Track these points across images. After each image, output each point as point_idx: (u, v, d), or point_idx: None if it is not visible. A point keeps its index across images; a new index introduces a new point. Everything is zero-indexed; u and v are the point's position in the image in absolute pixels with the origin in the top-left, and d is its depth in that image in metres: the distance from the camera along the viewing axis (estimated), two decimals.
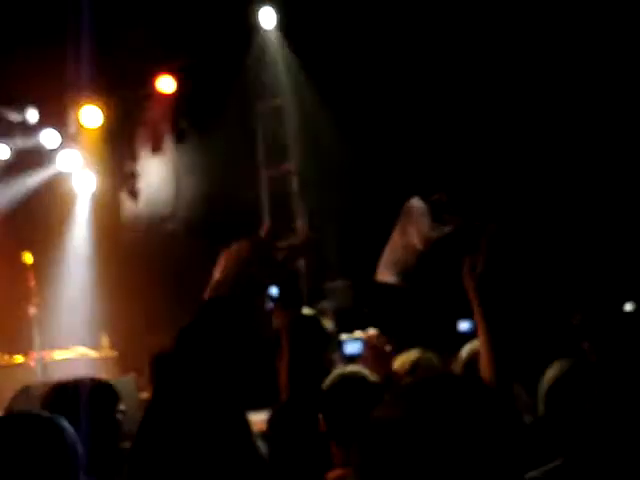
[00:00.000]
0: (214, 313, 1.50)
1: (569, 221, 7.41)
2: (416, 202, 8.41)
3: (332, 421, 2.66)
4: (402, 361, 4.11)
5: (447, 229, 8.15)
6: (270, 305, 2.94)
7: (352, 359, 4.80)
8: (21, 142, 9.15)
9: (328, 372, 2.88)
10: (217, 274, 1.61)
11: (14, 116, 8.88)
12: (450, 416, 1.19)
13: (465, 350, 3.92)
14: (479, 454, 1.18)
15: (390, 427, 1.22)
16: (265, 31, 8.92)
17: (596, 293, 7.08)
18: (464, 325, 5.62)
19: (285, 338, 2.99)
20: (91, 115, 9.19)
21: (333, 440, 2.63)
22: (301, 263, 9.06)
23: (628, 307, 6.91)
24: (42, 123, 9.09)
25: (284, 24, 8.89)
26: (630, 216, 7.12)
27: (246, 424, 1.47)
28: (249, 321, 1.53)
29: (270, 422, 3.12)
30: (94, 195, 9.68)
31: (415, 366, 4.04)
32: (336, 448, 2.61)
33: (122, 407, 2.81)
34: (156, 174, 9.36)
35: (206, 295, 1.56)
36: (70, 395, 2.69)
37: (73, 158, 9.45)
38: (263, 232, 1.73)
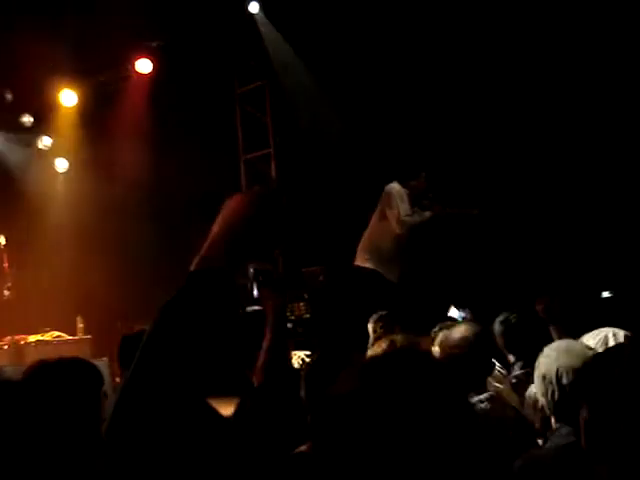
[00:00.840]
0: (196, 289, 1.44)
1: (548, 210, 7.42)
2: (395, 187, 8.43)
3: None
4: (379, 344, 4.11)
5: (427, 214, 8.18)
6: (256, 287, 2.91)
7: None
8: None
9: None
10: (214, 230, 1.53)
11: None
12: (397, 389, 1.26)
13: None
14: (423, 424, 1.24)
15: (342, 401, 1.29)
16: (248, 13, 8.83)
17: (569, 280, 7.12)
18: (455, 313, 5.66)
19: (270, 322, 2.96)
20: (68, 97, 9.11)
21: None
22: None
23: (605, 295, 6.95)
24: (17, 105, 8.99)
25: (268, 6, 8.82)
26: (608, 207, 7.15)
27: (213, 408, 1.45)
28: (232, 298, 1.48)
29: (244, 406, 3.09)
30: (69, 178, 9.60)
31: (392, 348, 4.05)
32: None
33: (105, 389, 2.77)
34: (133, 156, 9.27)
35: (195, 263, 1.50)
36: (54, 374, 2.64)
37: (48, 140, 9.36)
38: (270, 185, 1.65)
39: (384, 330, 5.58)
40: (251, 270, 2.77)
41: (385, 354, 1.41)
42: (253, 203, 1.57)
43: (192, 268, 1.48)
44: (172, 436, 1.35)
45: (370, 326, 5.77)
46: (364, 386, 1.29)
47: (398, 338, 4.15)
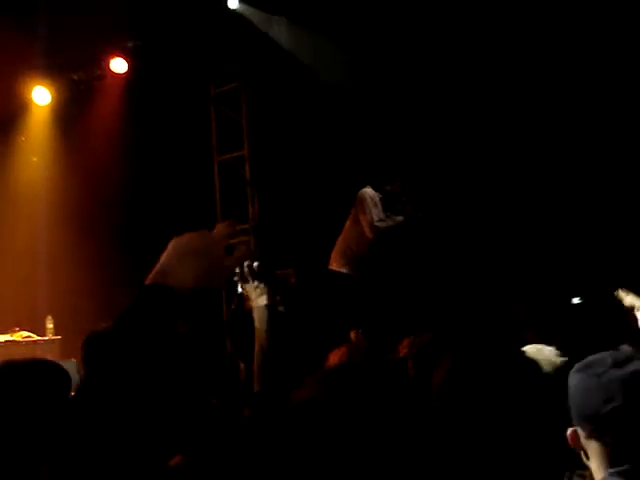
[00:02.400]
0: (151, 301, 1.49)
1: (520, 216, 7.48)
2: (368, 191, 8.46)
3: None
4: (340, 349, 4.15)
5: (399, 218, 8.22)
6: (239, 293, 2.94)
7: None
8: None
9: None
10: (162, 260, 1.58)
11: None
12: (352, 397, 1.34)
13: None
14: (376, 427, 1.31)
15: (303, 406, 1.39)
16: (223, 14, 8.80)
17: (543, 287, 7.17)
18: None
19: (259, 321, 2.97)
20: (41, 95, 9.06)
21: None
22: (250, 251, 9.04)
23: (575, 301, 7.01)
24: None
25: (243, 8, 8.80)
26: (581, 212, 7.21)
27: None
28: (178, 316, 1.53)
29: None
30: (40, 177, 9.52)
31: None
32: None
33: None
34: (106, 156, 9.22)
35: (148, 281, 1.54)
36: (19, 376, 2.61)
37: (21, 139, 9.29)
38: (221, 226, 1.68)
39: (364, 338, 5.62)
40: (244, 266, 2.79)
41: (344, 364, 1.50)
42: (201, 242, 1.62)
43: (147, 281, 1.53)
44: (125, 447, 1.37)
45: (352, 334, 5.80)
46: (322, 394, 1.37)
47: (359, 345, 4.19)
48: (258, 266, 2.82)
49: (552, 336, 3.65)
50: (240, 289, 2.85)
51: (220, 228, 1.66)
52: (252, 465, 2.27)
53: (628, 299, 3.69)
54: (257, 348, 2.92)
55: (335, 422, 1.32)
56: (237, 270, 2.94)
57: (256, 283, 2.91)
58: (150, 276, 1.55)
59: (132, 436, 1.37)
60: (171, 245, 1.60)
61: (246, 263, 2.77)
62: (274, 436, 1.40)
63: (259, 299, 2.96)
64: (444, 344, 3.66)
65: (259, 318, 2.96)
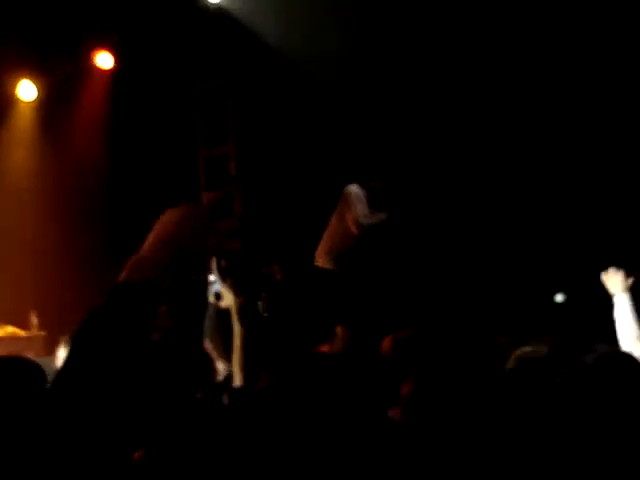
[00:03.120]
0: (121, 301, 1.50)
1: (502, 213, 7.51)
2: (354, 189, 8.47)
3: None
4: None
5: (382, 215, 8.25)
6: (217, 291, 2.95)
7: None
8: None
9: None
10: (146, 245, 1.60)
11: None
12: (305, 386, 1.39)
13: None
14: (325, 420, 1.35)
15: (260, 395, 1.45)
16: (209, 10, 8.79)
17: (524, 285, 7.21)
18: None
19: (238, 322, 2.98)
20: (26, 90, 9.02)
21: None
22: (237, 248, 9.05)
23: (559, 298, 7.06)
24: None
25: (229, 3, 8.78)
26: (561, 209, 7.26)
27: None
28: (154, 310, 1.55)
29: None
30: (26, 172, 9.48)
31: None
32: None
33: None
34: (91, 151, 9.19)
35: (122, 275, 1.55)
36: None
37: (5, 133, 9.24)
38: (205, 202, 1.69)
39: (349, 333, 5.63)
40: (220, 264, 2.80)
41: (300, 356, 1.53)
42: (182, 224, 1.64)
43: (121, 279, 1.54)
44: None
45: (338, 329, 5.80)
46: (275, 385, 1.43)
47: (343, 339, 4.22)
48: (226, 264, 2.82)
49: (530, 337, 3.68)
50: (217, 288, 2.85)
51: (203, 203, 1.68)
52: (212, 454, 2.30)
53: (612, 283, 3.70)
54: (236, 345, 2.93)
55: (283, 411, 1.36)
56: (214, 269, 2.96)
57: (230, 282, 2.92)
58: (126, 268, 1.56)
59: (102, 430, 1.38)
60: (155, 226, 1.62)
61: (222, 263, 2.77)
62: (232, 425, 1.43)
63: (236, 298, 2.97)
64: (423, 341, 3.68)
65: (236, 316, 2.97)
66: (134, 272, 1.48)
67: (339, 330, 5.88)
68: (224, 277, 2.83)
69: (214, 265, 2.86)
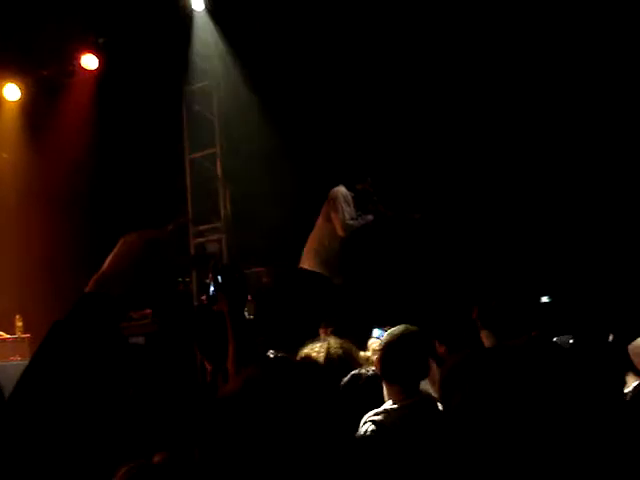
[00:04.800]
0: (87, 311, 1.50)
1: (487, 216, 7.53)
2: (341, 190, 8.45)
3: None
4: (313, 347, 4.18)
5: (369, 217, 8.24)
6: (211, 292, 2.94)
7: None
8: None
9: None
10: (106, 263, 1.60)
11: None
12: (271, 395, 1.38)
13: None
14: (295, 420, 1.34)
15: (226, 401, 1.43)
16: (194, 12, 8.77)
17: (510, 285, 7.22)
18: (377, 332, 5.78)
19: (229, 325, 2.97)
20: (11, 91, 8.99)
21: None
22: (223, 248, 9.04)
23: (544, 299, 7.07)
24: None
25: (214, 6, 8.77)
26: (548, 211, 7.28)
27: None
28: (119, 322, 1.55)
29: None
30: (10, 173, 9.43)
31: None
32: None
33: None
34: (76, 153, 9.15)
35: (88, 287, 1.55)
36: None
37: None
38: (171, 226, 1.70)
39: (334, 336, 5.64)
40: (215, 268, 2.79)
41: (270, 361, 1.54)
42: (145, 244, 1.63)
43: (87, 289, 1.54)
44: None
45: (321, 331, 5.81)
46: (242, 390, 1.41)
47: (332, 342, 4.21)
48: (223, 267, 2.82)
49: (512, 336, 3.69)
50: (212, 290, 2.84)
51: (167, 228, 1.69)
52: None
53: None
54: (230, 350, 2.92)
55: (248, 417, 1.36)
56: (212, 271, 2.96)
57: (229, 286, 2.91)
58: (91, 282, 1.56)
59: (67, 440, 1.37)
60: (118, 246, 1.62)
61: (220, 265, 2.77)
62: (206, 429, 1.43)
63: (233, 302, 2.96)
64: (409, 346, 3.68)
65: (229, 321, 2.97)
66: (97, 286, 1.48)
67: (322, 331, 5.88)
68: (214, 278, 2.82)
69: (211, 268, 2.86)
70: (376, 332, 5.71)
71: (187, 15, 8.71)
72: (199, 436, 1.42)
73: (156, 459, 2.16)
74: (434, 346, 4.49)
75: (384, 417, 3.44)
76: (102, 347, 1.48)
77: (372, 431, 3.35)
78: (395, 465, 3.05)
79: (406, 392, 3.56)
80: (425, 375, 3.77)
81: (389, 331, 3.79)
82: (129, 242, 1.63)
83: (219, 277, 2.81)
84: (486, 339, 4.43)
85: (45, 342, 1.47)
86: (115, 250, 1.62)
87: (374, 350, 3.97)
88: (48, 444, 1.36)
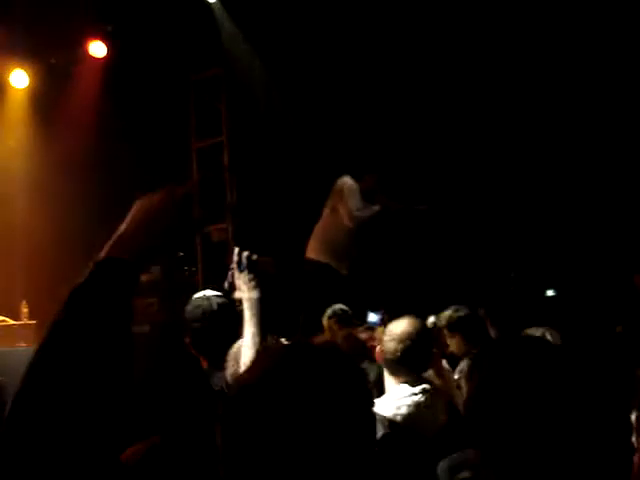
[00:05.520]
0: (103, 278, 1.47)
1: (495, 208, 7.52)
2: (347, 181, 8.47)
3: None
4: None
5: (376, 208, 8.27)
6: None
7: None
8: None
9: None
10: (124, 225, 1.58)
11: None
12: (294, 380, 1.33)
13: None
14: (316, 413, 1.29)
15: (244, 389, 1.37)
16: (205, 0, 8.75)
17: (517, 278, 7.21)
18: (373, 317, 5.78)
19: (251, 312, 2.97)
20: (18, 78, 8.97)
21: None
22: (229, 238, 9.03)
23: (549, 293, 7.07)
24: None
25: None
26: (553, 206, 7.27)
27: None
28: (134, 289, 1.52)
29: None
30: (18, 160, 9.43)
31: None
32: None
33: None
34: (83, 141, 9.15)
35: (103, 252, 1.53)
36: None
37: None
38: (185, 187, 1.68)
39: (339, 326, 5.64)
40: (242, 256, 2.78)
41: (297, 345, 1.47)
42: (162, 205, 1.61)
43: (100, 257, 1.52)
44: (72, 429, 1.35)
45: (325, 322, 5.81)
46: (265, 376, 1.35)
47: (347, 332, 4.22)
48: (251, 257, 2.82)
49: (520, 329, 3.70)
50: (230, 279, 2.84)
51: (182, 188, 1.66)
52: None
53: None
54: (249, 337, 2.92)
55: (269, 403, 1.32)
56: (235, 259, 2.96)
57: (251, 275, 2.91)
58: (108, 244, 1.54)
59: (82, 422, 1.36)
60: (134, 207, 1.60)
61: (245, 254, 2.77)
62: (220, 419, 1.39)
63: (253, 291, 2.96)
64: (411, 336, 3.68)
65: (251, 309, 2.96)
66: (112, 250, 1.46)
67: (326, 322, 5.89)
68: (242, 269, 2.81)
69: (236, 255, 2.85)
70: (371, 317, 5.73)
71: (197, 2, 8.69)
72: (218, 424, 1.38)
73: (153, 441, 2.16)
74: (439, 337, 4.50)
75: (384, 408, 3.44)
76: (120, 316, 1.45)
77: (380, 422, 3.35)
78: (401, 458, 3.06)
79: (409, 383, 3.56)
80: (428, 366, 3.78)
81: (393, 323, 3.79)
82: (142, 205, 1.61)
83: (242, 266, 2.81)
84: (493, 333, 4.45)
85: (64, 310, 1.44)
86: (129, 214, 1.60)
87: (380, 340, 3.97)
88: (64, 423, 1.35)
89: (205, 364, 3.90)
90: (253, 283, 2.91)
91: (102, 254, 1.52)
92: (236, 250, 2.73)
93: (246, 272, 2.88)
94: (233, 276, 2.89)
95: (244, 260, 2.84)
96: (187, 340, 3.56)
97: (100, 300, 1.43)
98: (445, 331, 4.77)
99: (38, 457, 1.32)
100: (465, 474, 2.56)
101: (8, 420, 1.35)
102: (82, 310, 1.42)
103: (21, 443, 1.33)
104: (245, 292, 2.90)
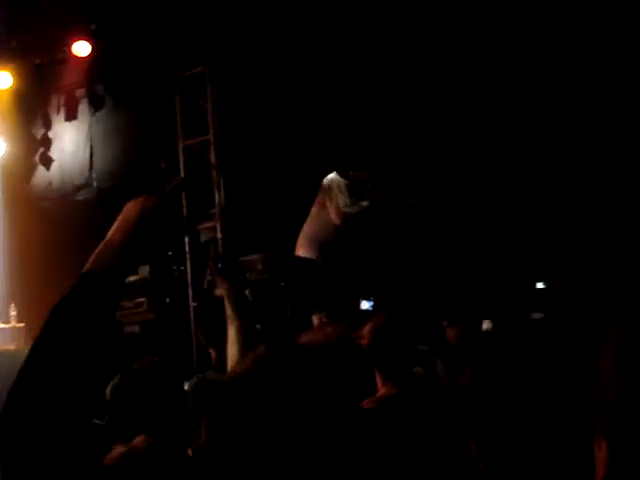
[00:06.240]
0: (85, 292, 1.47)
1: (487, 201, 7.53)
2: (335, 178, 8.46)
3: None
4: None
5: (364, 203, 8.25)
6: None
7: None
8: None
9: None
10: (111, 231, 1.57)
11: None
12: (280, 375, 1.33)
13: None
14: (304, 405, 1.30)
15: (235, 383, 1.39)
16: None
17: (506, 270, 7.23)
18: (365, 304, 5.79)
19: (231, 307, 2.96)
20: (2, 79, 8.93)
21: None
22: (218, 236, 9.01)
23: (539, 286, 7.08)
24: None
25: None
26: (543, 199, 7.28)
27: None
28: (118, 300, 1.52)
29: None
30: (4, 162, 9.39)
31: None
32: None
33: None
34: (70, 141, 9.12)
35: (87, 265, 1.52)
36: None
37: None
38: (169, 186, 1.67)
39: (329, 321, 5.64)
40: (217, 254, 2.78)
41: (278, 344, 1.47)
42: (149, 207, 1.60)
43: (85, 269, 1.51)
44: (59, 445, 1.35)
45: (315, 318, 5.80)
46: (254, 371, 1.36)
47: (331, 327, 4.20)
48: (222, 253, 2.83)
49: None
50: (210, 277, 2.85)
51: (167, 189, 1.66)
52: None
53: None
54: (232, 333, 2.91)
55: (258, 400, 1.32)
56: (212, 257, 2.95)
57: (229, 271, 2.90)
58: (93, 256, 1.54)
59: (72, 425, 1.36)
60: (122, 213, 1.60)
61: (219, 251, 2.78)
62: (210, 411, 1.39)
63: (231, 287, 2.95)
64: (401, 328, 3.67)
65: (232, 305, 2.96)
66: (96, 262, 1.46)
67: (316, 319, 5.88)
68: (219, 267, 2.81)
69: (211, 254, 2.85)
70: (364, 304, 5.73)
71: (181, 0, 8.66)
72: (207, 420, 1.37)
73: (136, 442, 2.15)
74: (438, 332, 4.51)
75: (378, 404, 3.43)
76: (103, 329, 1.46)
77: (367, 418, 3.34)
78: (392, 452, 3.05)
79: (396, 379, 3.55)
80: (414, 362, 3.77)
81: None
82: (126, 211, 1.61)
83: (219, 263, 2.80)
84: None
85: (47, 327, 1.44)
86: (117, 220, 1.60)
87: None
88: (54, 432, 1.34)
89: (214, 354, 3.91)
90: (231, 279, 2.89)
91: (87, 265, 1.52)
92: (212, 248, 2.74)
93: (223, 269, 2.87)
94: (212, 274, 2.89)
95: (220, 257, 2.83)
96: (198, 331, 3.57)
97: (82, 315, 1.44)
98: None
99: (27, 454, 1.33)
100: None
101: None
102: (65, 324, 1.44)
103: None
104: (225, 289, 2.89)
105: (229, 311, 2.92)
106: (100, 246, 1.56)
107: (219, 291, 2.91)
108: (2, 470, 1.34)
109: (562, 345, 1.63)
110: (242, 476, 1.29)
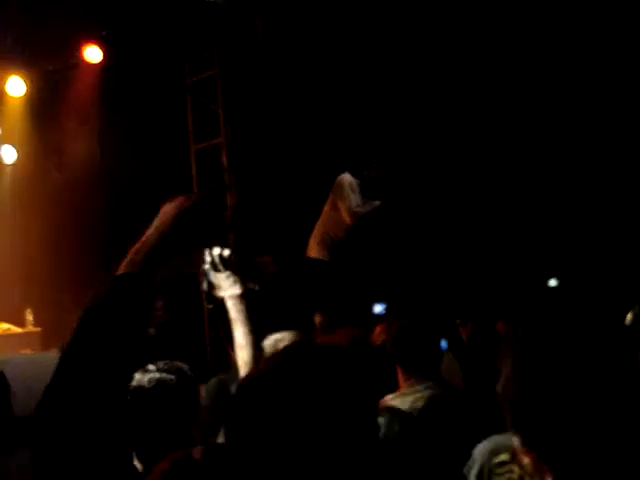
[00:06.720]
0: (120, 296, 1.47)
1: (495, 199, 7.53)
2: (347, 177, 8.46)
3: None
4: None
5: (375, 203, 8.25)
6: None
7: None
8: None
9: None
10: (147, 233, 1.57)
11: None
12: (298, 376, 1.34)
13: None
14: (320, 407, 1.30)
15: (252, 384, 1.39)
16: (198, 1, 8.75)
17: (518, 269, 7.22)
18: (378, 307, 5.79)
19: (240, 310, 2.96)
20: (15, 85, 8.97)
21: None
22: (229, 238, 9.04)
23: (552, 283, 7.07)
24: None
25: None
26: (553, 196, 7.27)
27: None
28: (152, 302, 1.53)
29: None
30: (17, 168, 9.44)
31: None
32: None
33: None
34: (82, 147, 9.16)
35: (121, 268, 1.53)
36: None
37: None
38: (204, 191, 1.69)
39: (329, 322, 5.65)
40: (214, 255, 2.77)
41: (293, 346, 1.47)
42: (183, 210, 1.61)
43: (119, 272, 1.51)
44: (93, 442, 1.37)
45: (316, 318, 5.81)
46: (271, 372, 1.37)
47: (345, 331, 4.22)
48: (229, 254, 2.80)
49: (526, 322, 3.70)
50: (211, 278, 2.81)
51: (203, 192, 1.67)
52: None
53: None
54: (240, 336, 2.90)
55: (270, 401, 1.33)
56: (208, 259, 2.92)
57: (227, 272, 2.89)
58: (124, 262, 1.54)
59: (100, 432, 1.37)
60: (161, 211, 1.60)
61: (216, 252, 2.75)
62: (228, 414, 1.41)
63: (232, 288, 2.93)
64: (423, 330, 3.69)
65: (236, 307, 2.94)
66: (130, 264, 1.46)
67: (318, 318, 5.89)
68: (225, 267, 2.79)
69: (208, 255, 2.83)
70: (377, 308, 5.73)
71: (190, 3, 8.69)
72: (228, 421, 1.38)
73: (195, 454, 2.17)
74: (452, 331, 4.52)
75: (400, 402, 3.44)
76: (137, 331, 1.46)
77: (389, 417, 3.35)
78: (411, 452, 3.06)
79: (419, 377, 3.57)
80: (438, 360, 3.78)
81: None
82: (163, 212, 1.61)
83: (218, 261, 2.79)
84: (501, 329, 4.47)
85: (82, 328, 1.45)
86: (155, 219, 1.60)
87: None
88: (87, 435, 1.36)
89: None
90: (232, 279, 2.88)
91: (120, 269, 1.52)
92: (207, 251, 2.70)
93: (223, 269, 2.85)
94: (209, 276, 2.86)
95: (217, 259, 2.80)
96: (220, 331, 3.58)
97: (117, 318, 1.45)
98: None
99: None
100: (503, 457, 2.56)
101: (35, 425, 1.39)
102: (100, 326, 1.44)
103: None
104: (226, 290, 2.87)
105: (235, 314, 2.90)
106: (136, 246, 1.56)
107: (220, 293, 2.90)
108: (34, 462, 1.37)
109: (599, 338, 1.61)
110: (264, 476, 1.31)
